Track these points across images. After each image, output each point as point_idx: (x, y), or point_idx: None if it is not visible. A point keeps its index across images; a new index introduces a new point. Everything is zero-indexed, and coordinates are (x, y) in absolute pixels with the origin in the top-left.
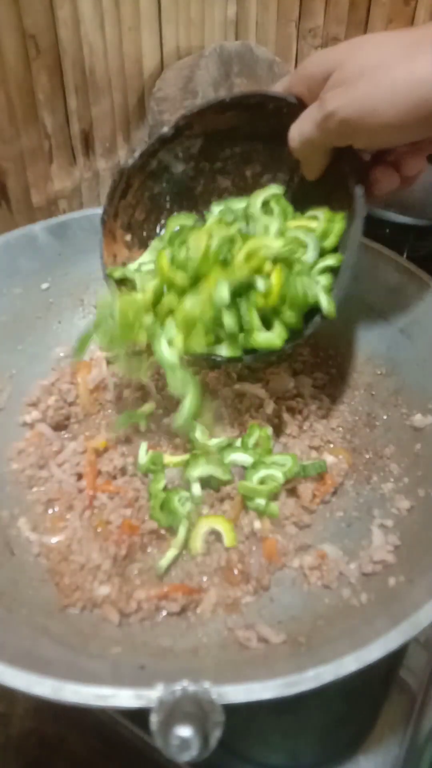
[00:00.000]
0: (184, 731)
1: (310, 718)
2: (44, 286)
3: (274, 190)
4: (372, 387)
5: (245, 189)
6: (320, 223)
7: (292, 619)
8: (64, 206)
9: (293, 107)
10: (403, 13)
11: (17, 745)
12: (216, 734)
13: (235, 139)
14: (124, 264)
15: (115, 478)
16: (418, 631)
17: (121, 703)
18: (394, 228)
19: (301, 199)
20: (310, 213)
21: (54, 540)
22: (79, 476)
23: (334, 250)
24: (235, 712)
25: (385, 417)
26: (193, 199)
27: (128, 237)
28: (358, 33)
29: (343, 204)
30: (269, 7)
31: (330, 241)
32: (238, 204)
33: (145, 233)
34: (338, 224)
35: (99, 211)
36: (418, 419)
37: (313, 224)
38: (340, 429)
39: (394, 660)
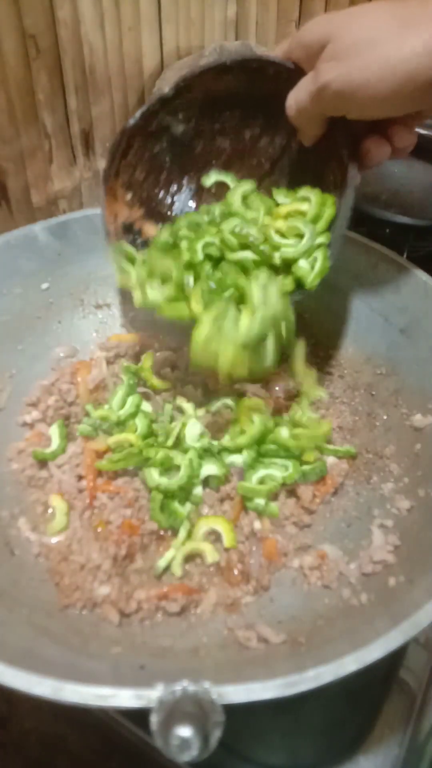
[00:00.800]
0: (184, 731)
1: (310, 719)
2: (44, 286)
3: (247, 186)
4: (372, 387)
5: (244, 151)
6: (312, 207)
7: (292, 619)
8: (64, 206)
9: (292, 73)
10: None
11: (17, 745)
12: (216, 734)
13: (235, 102)
14: (123, 224)
15: (115, 478)
16: (418, 631)
17: (121, 703)
18: (394, 228)
19: (299, 162)
20: (302, 194)
21: (54, 540)
22: (80, 476)
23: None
24: (235, 712)
25: (385, 417)
26: (193, 159)
27: (129, 196)
28: None
29: (337, 171)
30: (269, 7)
31: (320, 226)
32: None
33: (145, 193)
34: (329, 209)
35: (99, 211)
36: (418, 419)
37: (305, 206)
38: (340, 429)
39: (394, 660)
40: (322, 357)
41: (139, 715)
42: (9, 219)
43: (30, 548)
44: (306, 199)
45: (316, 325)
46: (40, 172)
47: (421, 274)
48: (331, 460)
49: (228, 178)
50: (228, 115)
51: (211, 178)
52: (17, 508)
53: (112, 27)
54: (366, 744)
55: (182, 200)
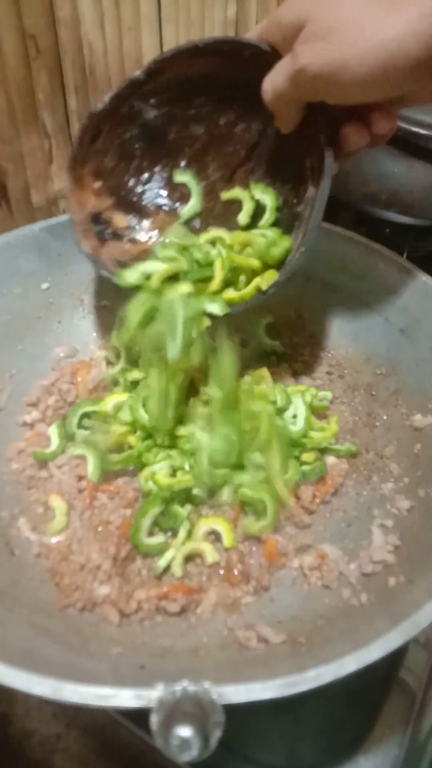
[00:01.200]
0: (185, 731)
1: (310, 719)
2: (44, 286)
3: (221, 233)
4: (372, 387)
5: (219, 138)
6: (267, 239)
7: (292, 619)
8: (64, 206)
9: (268, 55)
10: None
11: (17, 745)
12: (216, 734)
13: (210, 87)
14: (91, 213)
15: (115, 478)
16: (418, 631)
17: (122, 703)
18: (394, 228)
19: (277, 149)
20: (259, 231)
21: (54, 540)
22: (79, 476)
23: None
24: (235, 712)
25: (385, 417)
26: (165, 146)
27: (97, 184)
28: None
29: (315, 158)
30: (269, 7)
31: (277, 251)
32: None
33: (114, 181)
34: (286, 241)
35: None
36: (418, 419)
37: (260, 240)
38: (340, 429)
39: (394, 660)
40: (321, 357)
41: (139, 715)
42: (9, 219)
43: (30, 548)
44: (263, 236)
45: (316, 325)
46: (40, 172)
47: (421, 274)
48: (331, 460)
49: (194, 185)
50: (202, 101)
51: (183, 177)
52: (17, 508)
53: (112, 27)
54: (366, 744)
55: (153, 189)
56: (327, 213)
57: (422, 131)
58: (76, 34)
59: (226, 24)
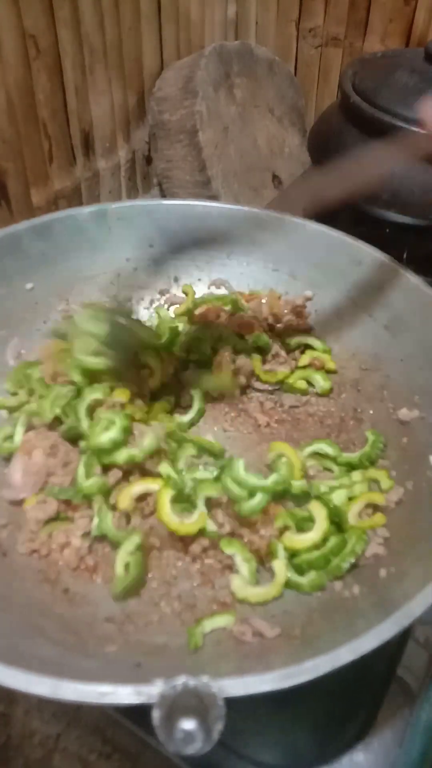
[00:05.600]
0: (188, 724)
1: (309, 717)
2: (29, 286)
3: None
4: (358, 382)
5: None
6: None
7: (285, 613)
8: (64, 206)
9: None
10: (403, 13)
11: (17, 745)
12: (218, 727)
13: None
14: None
15: None
16: (411, 621)
17: (121, 700)
18: (394, 228)
19: None
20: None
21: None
22: None
23: None
24: (233, 709)
25: (371, 412)
26: None
27: None
28: (358, 33)
29: None
30: (269, 7)
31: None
32: None
33: None
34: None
35: (82, 210)
36: (403, 413)
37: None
38: (327, 426)
39: (392, 658)
40: (306, 353)
41: (139, 715)
42: (9, 219)
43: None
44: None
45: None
46: (40, 172)
47: (404, 271)
48: None
49: None
50: None
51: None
52: None
53: (112, 27)
54: (365, 743)
55: None
56: (327, 213)
57: (422, 131)
58: (76, 34)
59: (226, 24)
